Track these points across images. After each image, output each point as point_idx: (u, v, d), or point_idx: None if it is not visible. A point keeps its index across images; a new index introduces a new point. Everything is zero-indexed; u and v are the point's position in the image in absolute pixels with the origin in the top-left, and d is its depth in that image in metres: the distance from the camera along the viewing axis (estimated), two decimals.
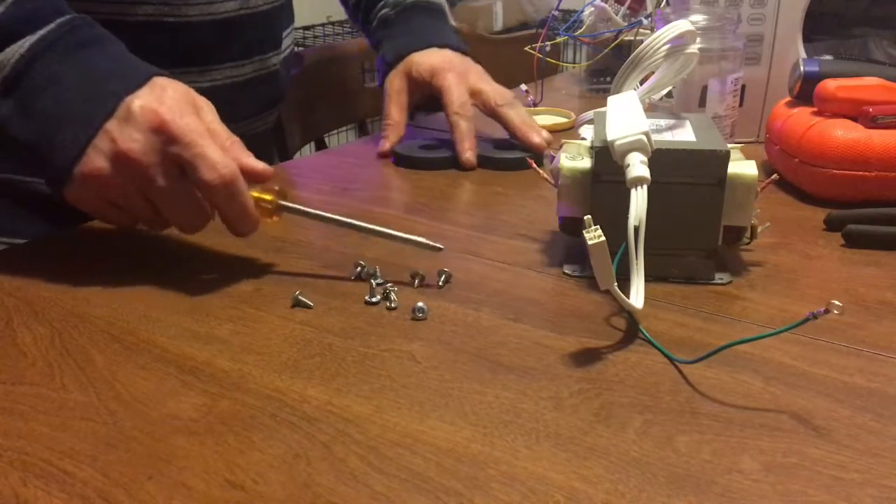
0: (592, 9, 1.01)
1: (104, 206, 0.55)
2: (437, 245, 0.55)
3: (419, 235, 0.56)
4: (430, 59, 0.84)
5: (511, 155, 0.77)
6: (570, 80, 1.27)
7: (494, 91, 0.83)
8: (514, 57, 1.10)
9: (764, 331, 0.44)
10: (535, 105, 1.04)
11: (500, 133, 0.83)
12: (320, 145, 1.29)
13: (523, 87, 1.06)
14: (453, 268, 0.55)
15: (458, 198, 0.71)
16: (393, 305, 0.50)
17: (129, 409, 0.41)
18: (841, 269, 0.57)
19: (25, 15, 0.54)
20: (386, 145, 0.83)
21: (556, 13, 1.07)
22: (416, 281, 0.54)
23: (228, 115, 0.64)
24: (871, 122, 0.66)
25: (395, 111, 0.84)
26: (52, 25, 0.54)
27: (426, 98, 0.86)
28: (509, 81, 1.12)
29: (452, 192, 0.72)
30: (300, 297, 0.51)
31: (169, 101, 0.53)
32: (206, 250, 0.59)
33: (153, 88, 0.54)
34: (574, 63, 1.34)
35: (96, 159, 0.52)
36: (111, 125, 0.52)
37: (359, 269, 0.55)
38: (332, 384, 0.43)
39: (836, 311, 0.38)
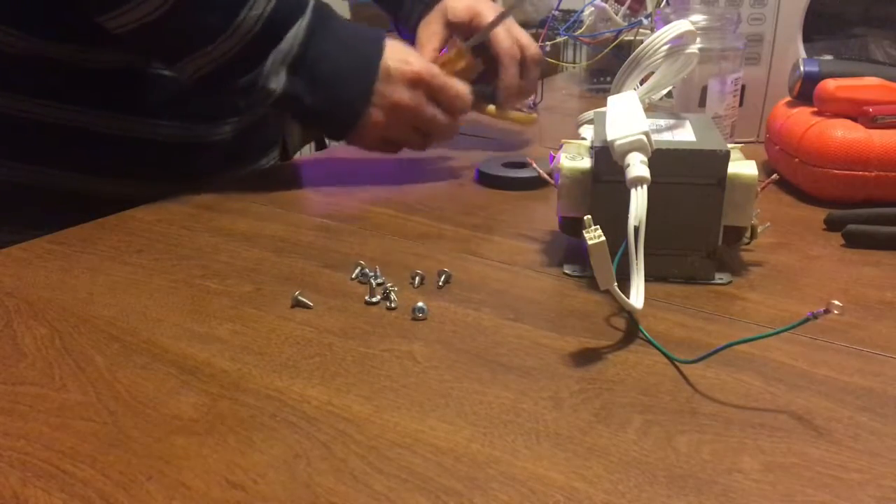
0: (592, 9, 1.01)
1: (378, 144, 0.75)
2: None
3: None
4: (464, 3, 0.82)
5: (521, 174, 0.74)
6: (570, 80, 1.27)
7: (529, 41, 0.83)
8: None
9: (764, 331, 0.44)
10: (535, 105, 1.04)
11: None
12: (320, 145, 1.29)
13: None
14: (453, 268, 0.55)
15: (458, 198, 0.71)
16: (393, 305, 0.50)
17: (129, 409, 0.41)
18: (841, 269, 0.57)
19: (290, 6, 0.67)
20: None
21: (556, 13, 1.07)
22: (416, 281, 0.54)
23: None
24: (871, 122, 0.66)
25: (430, 58, 0.80)
26: (308, 11, 0.68)
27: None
28: None
29: (452, 193, 0.72)
30: (300, 297, 0.51)
31: (405, 55, 0.71)
32: (206, 250, 0.59)
33: (392, 48, 0.71)
34: (574, 63, 1.34)
35: (375, 113, 0.71)
36: (379, 86, 0.70)
37: (359, 269, 0.55)
38: (332, 384, 0.43)
39: (836, 311, 0.38)
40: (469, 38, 0.79)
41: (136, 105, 0.76)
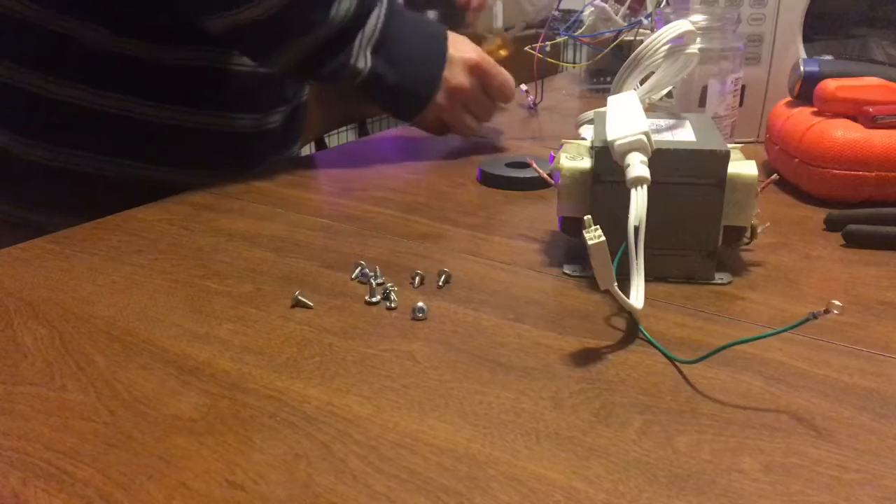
0: (592, 9, 1.01)
1: (434, 125, 0.84)
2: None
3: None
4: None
5: (524, 175, 0.73)
6: (570, 80, 1.27)
7: None
8: (514, 57, 1.09)
9: (764, 331, 0.44)
10: (535, 105, 1.04)
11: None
12: (320, 145, 1.29)
13: (523, 87, 1.06)
14: (453, 268, 0.55)
15: (458, 198, 0.71)
16: (393, 305, 0.50)
17: (129, 409, 0.41)
18: (841, 269, 0.57)
19: None
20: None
21: (556, 13, 1.07)
22: (416, 281, 0.54)
23: (295, 91, 0.90)
24: (871, 122, 0.66)
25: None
26: None
27: None
28: None
29: (453, 193, 0.72)
30: (300, 297, 0.51)
31: (462, 43, 0.80)
32: (206, 250, 0.59)
33: (453, 40, 0.80)
34: (574, 63, 1.34)
35: (439, 96, 0.80)
36: (446, 73, 0.79)
37: (359, 269, 0.55)
38: (332, 384, 0.43)
39: (836, 311, 0.38)
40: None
41: (213, 99, 0.80)
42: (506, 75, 0.82)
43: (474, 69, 0.80)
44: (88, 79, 0.75)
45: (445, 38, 0.79)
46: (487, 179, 0.74)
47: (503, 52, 0.84)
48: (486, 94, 0.82)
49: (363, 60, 0.74)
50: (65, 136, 0.76)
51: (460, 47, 0.80)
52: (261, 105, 0.85)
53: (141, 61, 0.75)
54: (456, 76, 0.79)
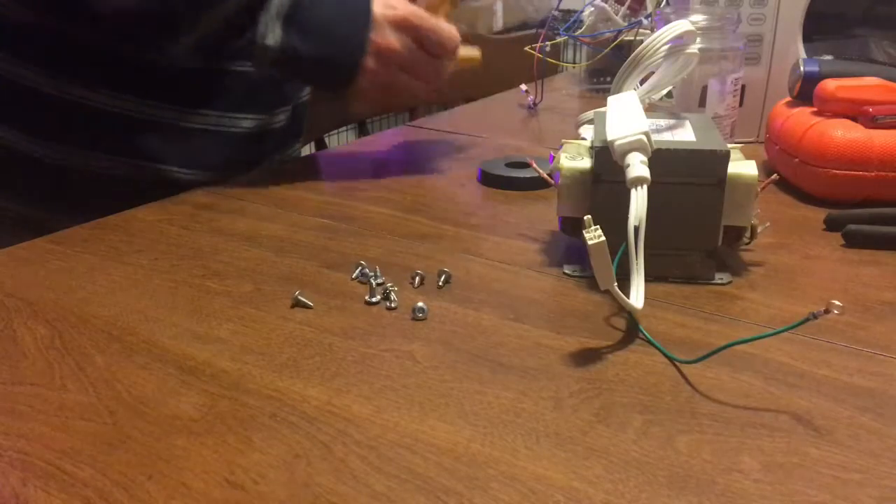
0: (592, 9, 1.01)
1: (377, 96, 0.74)
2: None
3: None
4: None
5: (524, 175, 0.73)
6: (570, 80, 1.27)
7: None
8: (514, 57, 1.10)
9: (764, 331, 0.44)
10: (535, 105, 1.04)
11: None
12: (320, 145, 1.29)
13: (523, 87, 1.06)
14: (453, 268, 0.55)
15: (459, 198, 0.71)
16: (393, 305, 0.50)
17: (129, 409, 0.41)
18: (841, 269, 0.57)
19: None
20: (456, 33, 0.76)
21: (556, 13, 1.07)
22: (416, 281, 0.54)
23: (295, 91, 0.89)
24: (871, 122, 0.66)
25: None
26: None
27: None
28: (509, 81, 1.12)
29: (453, 193, 0.72)
30: (300, 297, 0.51)
31: (390, 1, 0.72)
32: (206, 250, 0.59)
33: None
34: (574, 63, 1.34)
35: (368, 61, 0.71)
36: (372, 34, 0.70)
37: (359, 269, 0.55)
38: (332, 384, 0.43)
39: (836, 311, 0.38)
40: None
41: (217, 100, 0.79)
42: (444, 27, 0.73)
43: (404, 26, 0.71)
44: (89, 77, 0.75)
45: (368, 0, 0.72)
46: (487, 179, 0.74)
47: (446, 7, 0.74)
48: (425, 51, 0.73)
49: (272, 36, 0.68)
50: (69, 134, 0.76)
51: (386, 3, 0.71)
52: (264, 105, 0.85)
53: (143, 62, 0.75)
54: (384, 36, 0.71)
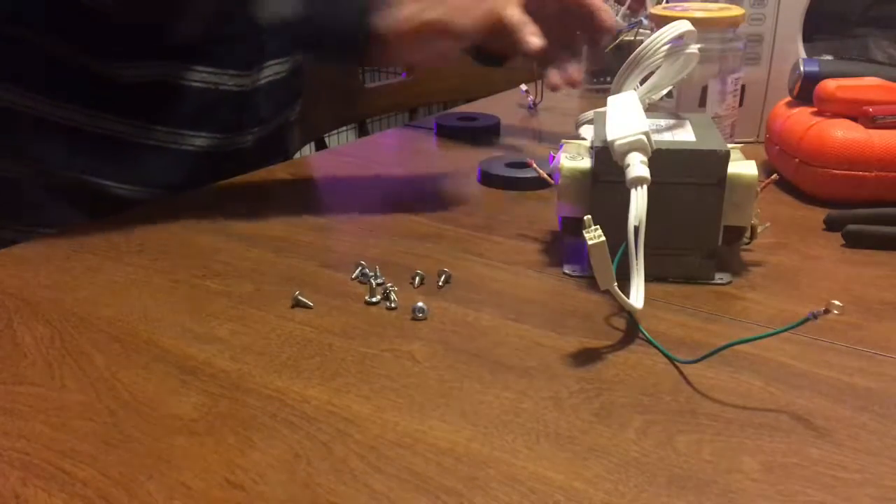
0: None
1: (426, 37, 0.65)
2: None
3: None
4: None
5: (524, 175, 0.72)
6: None
7: None
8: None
9: (764, 331, 0.44)
10: (535, 106, 1.04)
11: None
12: (320, 145, 1.29)
13: (523, 87, 1.06)
14: (453, 268, 0.55)
15: (459, 198, 0.71)
16: (393, 305, 0.50)
17: (129, 409, 0.41)
18: (841, 269, 0.57)
19: None
20: (537, 41, 0.65)
21: None
22: (416, 281, 0.54)
23: (273, 112, 0.85)
24: (871, 122, 0.66)
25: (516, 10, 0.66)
26: None
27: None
28: (509, 81, 1.12)
29: (453, 193, 0.72)
30: (300, 297, 0.51)
31: None
32: (206, 250, 0.59)
33: None
34: None
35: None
36: None
37: (359, 269, 0.55)
38: (332, 384, 0.43)
39: (836, 311, 0.38)
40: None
41: (168, 116, 0.76)
42: None
43: None
44: (36, 86, 0.72)
45: None
46: (487, 179, 0.74)
47: None
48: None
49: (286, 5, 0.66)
50: (14, 145, 0.73)
51: None
52: (223, 124, 0.79)
53: (94, 74, 0.72)
54: None
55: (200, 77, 0.76)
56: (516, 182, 0.73)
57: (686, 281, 0.54)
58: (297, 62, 0.88)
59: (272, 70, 0.83)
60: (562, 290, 0.53)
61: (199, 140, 0.78)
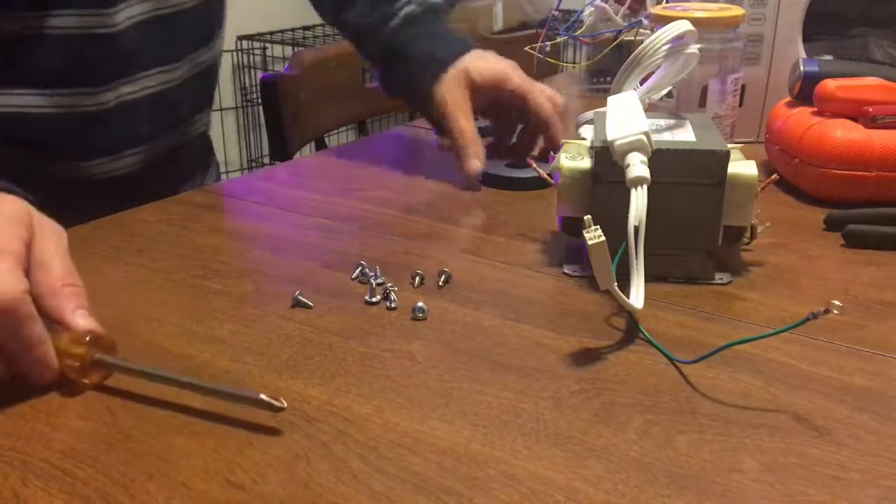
0: (592, 9, 1.01)
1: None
2: (277, 404, 0.39)
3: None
4: (488, 64, 0.75)
5: (524, 175, 0.72)
6: (570, 80, 1.27)
7: (553, 93, 0.78)
8: (514, 57, 1.09)
9: (764, 331, 0.44)
10: None
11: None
12: (320, 145, 1.29)
13: None
14: (453, 268, 0.55)
15: (458, 198, 0.71)
16: (393, 305, 0.50)
17: (129, 409, 0.41)
18: (841, 269, 0.57)
19: None
20: (477, 165, 0.72)
21: (556, 13, 1.07)
22: (416, 281, 0.54)
23: (166, 121, 0.77)
24: (871, 122, 0.66)
25: (468, 125, 0.73)
26: None
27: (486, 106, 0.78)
28: None
29: (453, 193, 0.72)
30: (300, 297, 0.51)
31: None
32: (206, 250, 0.59)
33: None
34: (574, 63, 1.34)
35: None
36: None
37: (359, 269, 0.55)
38: (332, 384, 0.43)
39: (836, 311, 0.38)
40: (493, 101, 0.75)
41: (23, 143, 0.69)
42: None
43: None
44: None
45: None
46: (487, 179, 0.74)
47: (78, 350, 0.42)
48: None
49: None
50: None
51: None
52: (85, 151, 0.72)
53: None
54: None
55: (53, 102, 0.69)
56: (516, 182, 0.72)
57: (686, 281, 0.54)
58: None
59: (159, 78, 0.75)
60: (562, 290, 0.53)
61: (63, 167, 0.72)
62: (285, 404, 0.39)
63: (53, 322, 0.43)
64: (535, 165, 0.60)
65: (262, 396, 0.39)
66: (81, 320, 0.43)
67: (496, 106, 0.78)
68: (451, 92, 0.74)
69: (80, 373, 0.42)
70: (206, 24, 0.80)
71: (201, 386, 0.41)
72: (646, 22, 0.95)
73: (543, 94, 0.76)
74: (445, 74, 0.74)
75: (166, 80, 0.75)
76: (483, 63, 0.75)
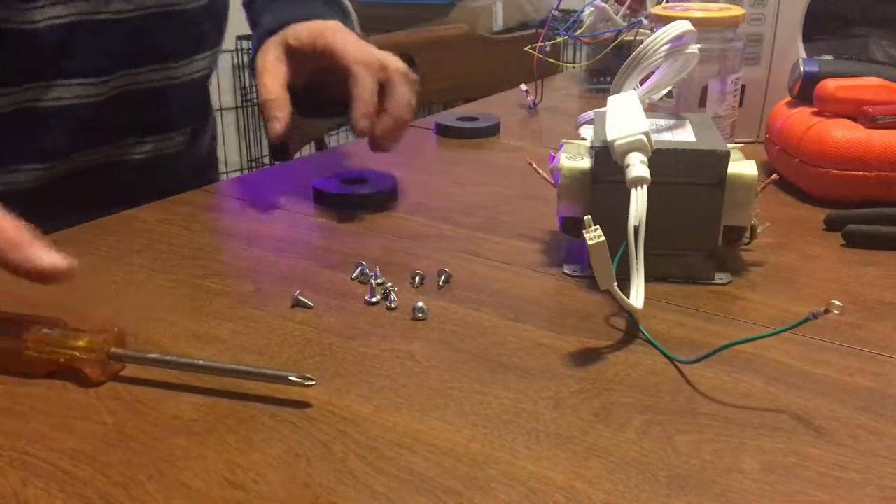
0: (592, 9, 1.01)
1: None
2: (308, 382, 0.41)
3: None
4: (309, 25, 0.68)
5: (361, 190, 0.68)
6: (570, 80, 1.27)
7: (390, 57, 0.67)
8: (514, 57, 1.09)
9: (764, 331, 0.44)
10: (535, 105, 1.04)
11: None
12: (320, 145, 1.29)
13: (523, 87, 1.06)
14: (453, 268, 0.55)
15: (458, 198, 0.71)
16: (393, 305, 0.50)
17: (129, 409, 0.41)
18: (841, 269, 0.57)
19: None
20: (277, 127, 0.63)
21: (556, 13, 1.07)
22: (416, 281, 0.54)
23: (82, 140, 0.69)
24: (871, 122, 0.66)
25: (275, 84, 0.65)
26: None
27: (310, 80, 0.69)
28: (509, 81, 1.12)
29: (452, 192, 0.72)
30: (300, 297, 0.51)
31: None
32: (206, 250, 0.59)
33: None
34: (574, 63, 1.34)
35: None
36: None
37: (359, 269, 0.55)
38: (332, 384, 0.43)
39: (836, 311, 0.38)
40: (314, 63, 0.66)
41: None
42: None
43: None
44: None
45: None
46: (319, 198, 0.68)
47: (80, 343, 0.43)
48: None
49: None
50: None
51: None
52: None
53: None
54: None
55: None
56: (350, 200, 0.67)
57: (686, 281, 0.54)
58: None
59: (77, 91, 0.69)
60: (562, 290, 0.53)
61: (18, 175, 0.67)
62: (315, 381, 0.41)
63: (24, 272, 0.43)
64: (534, 166, 0.60)
65: (292, 377, 0.40)
66: (50, 257, 0.43)
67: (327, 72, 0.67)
68: (262, 56, 0.67)
69: (97, 367, 0.43)
70: (157, 40, 0.72)
71: (227, 368, 0.42)
72: (646, 22, 0.95)
73: (364, 62, 0.64)
74: (266, 42, 0.68)
75: (87, 93, 0.69)
76: (303, 26, 0.67)
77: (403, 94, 0.66)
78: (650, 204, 0.47)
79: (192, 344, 0.46)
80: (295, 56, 0.67)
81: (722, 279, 0.54)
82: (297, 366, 0.44)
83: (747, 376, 0.43)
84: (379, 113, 0.65)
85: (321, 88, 0.70)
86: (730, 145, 0.53)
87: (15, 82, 0.66)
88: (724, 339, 0.44)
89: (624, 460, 0.37)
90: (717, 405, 0.41)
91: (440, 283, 0.53)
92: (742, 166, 0.53)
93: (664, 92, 0.63)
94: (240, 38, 2.34)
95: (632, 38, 0.96)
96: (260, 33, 0.70)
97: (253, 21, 0.78)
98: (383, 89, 0.65)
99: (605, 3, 1.01)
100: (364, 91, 0.63)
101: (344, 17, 0.74)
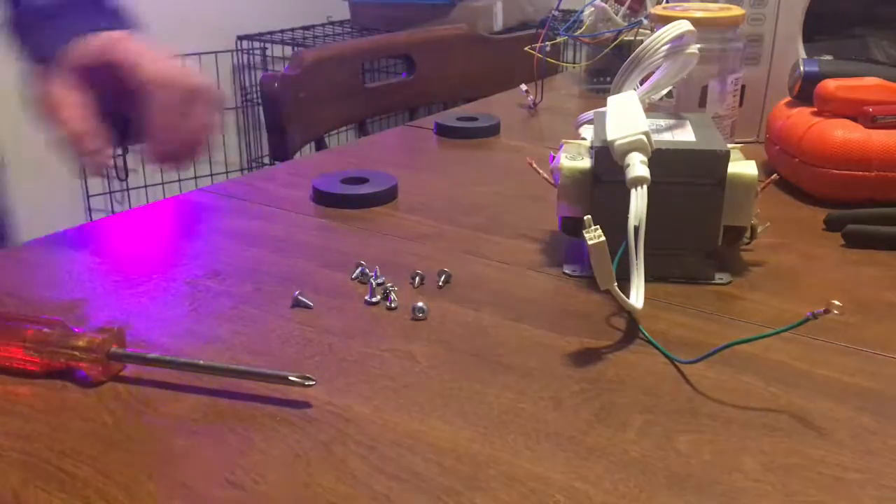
0: (592, 9, 1.01)
1: None
2: (307, 383, 0.41)
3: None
4: (94, 41, 0.60)
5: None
6: (570, 80, 1.27)
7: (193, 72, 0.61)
8: (514, 57, 1.09)
9: (764, 331, 0.44)
10: (535, 105, 1.04)
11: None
12: (320, 145, 1.29)
13: (523, 87, 1.06)
14: (453, 268, 0.55)
15: (458, 198, 0.71)
16: (393, 305, 0.50)
17: (129, 409, 0.41)
18: (841, 269, 0.57)
19: None
20: (98, 161, 0.58)
21: (556, 13, 1.07)
22: (416, 281, 0.54)
23: None
24: (871, 122, 0.66)
25: (76, 115, 0.57)
26: None
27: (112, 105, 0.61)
28: (509, 81, 1.12)
29: (452, 192, 0.72)
30: (300, 297, 0.51)
31: None
32: (206, 250, 0.59)
33: None
34: (574, 63, 1.34)
35: None
36: None
37: (359, 269, 0.55)
38: (332, 384, 0.43)
39: (835, 311, 0.38)
40: (110, 81, 0.58)
41: None
42: None
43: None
44: None
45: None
46: (320, 198, 0.68)
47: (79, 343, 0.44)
48: None
49: None
50: None
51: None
52: None
53: None
54: None
55: None
56: (351, 200, 0.67)
57: (686, 281, 0.54)
58: None
59: None
60: (562, 290, 0.53)
61: None
62: (315, 381, 0.41)
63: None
64: (534, 166, 0.60)
65: (292, 377, 0.41)
66: None
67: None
68: (50, 89, 0.59)
69: (97, 367, 0.43)
70: None
71: (227, 368, 0.42)
72: (646, 22, 0.95)
73: (159, 81, 0.58)
74: (48, 71, 0.60)
75: None
76: (88, 43, 0.60)
77: (202, 114, 0.61)
78: (650, 204, 0.47)
79: (192, 344, 0.46)
80: (87, 79, 0.59)
81: (722, 279, 0.54)
82: (297, 366, 0.44)
83: (747, 376, 0.43)
84: (175, 132, 0.60)
85: (127, 107, 0.61)
86: (730, 145, 0.53)
87: None
88: (724, 339, 0.44)
89: (624, 460, 0.37)
90: (717, 405, 0.41)
91: (440, 283, 0.53)
92: (742, 166, 0.53)
93: (664, 92, 0.63)
94: (240, 38, 2.34)
95: (632, 38, 0.96)
96: (36, 60, 0.62)
97: (22, 44, 0.67)
98: (181, 106, 0.59)
99: (605, 3, 1.01)
100: (159, 114, 0.58)
101: (130, 26, 0.66)
